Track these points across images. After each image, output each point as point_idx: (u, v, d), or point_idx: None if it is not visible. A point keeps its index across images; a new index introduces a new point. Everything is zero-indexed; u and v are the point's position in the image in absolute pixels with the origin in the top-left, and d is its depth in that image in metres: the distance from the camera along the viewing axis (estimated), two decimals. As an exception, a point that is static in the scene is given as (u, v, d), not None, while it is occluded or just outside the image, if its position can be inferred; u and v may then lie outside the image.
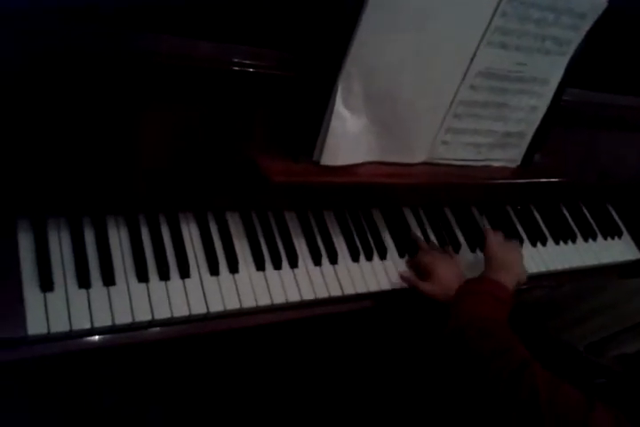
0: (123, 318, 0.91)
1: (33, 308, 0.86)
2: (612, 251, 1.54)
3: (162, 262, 0.98)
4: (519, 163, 1.26)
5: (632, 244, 1.60)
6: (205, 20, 0.90)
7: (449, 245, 1.29)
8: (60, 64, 0.79)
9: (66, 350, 0.88)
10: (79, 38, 0.78)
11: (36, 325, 0.85)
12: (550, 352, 1.21)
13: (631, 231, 1.62)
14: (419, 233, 1.27)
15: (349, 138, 1.00)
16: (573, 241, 1.48)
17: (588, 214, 1.57)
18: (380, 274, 1.17)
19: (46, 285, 0.88)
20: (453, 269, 1.17)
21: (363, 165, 1.06)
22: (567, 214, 1.53)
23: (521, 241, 1.38)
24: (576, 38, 1.09)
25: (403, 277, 1.16)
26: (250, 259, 1.06)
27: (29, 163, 0.85)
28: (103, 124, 0.87)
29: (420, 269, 1.18)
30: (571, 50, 1.11)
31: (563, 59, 1.12)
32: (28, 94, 0.80)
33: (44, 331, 0.85)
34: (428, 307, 1.13)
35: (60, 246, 0.93)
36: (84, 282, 0.91)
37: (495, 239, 1.22)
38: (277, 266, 1.08)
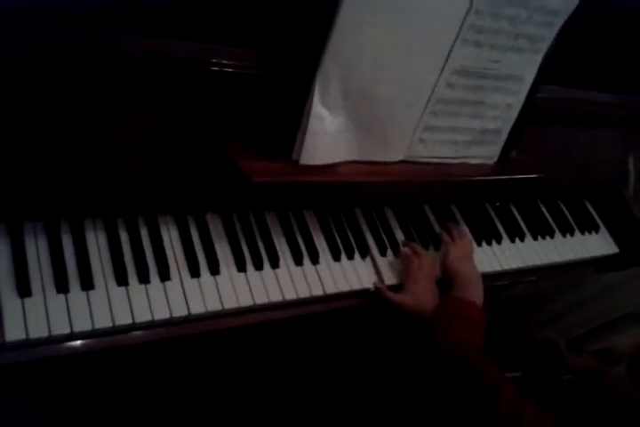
0: (103, 323, 0.90)
1: (11, 314, 0.85)
2: (589, 246, 1.56)
3: (141, 266, 0.98)
4: (496, 160, 1.27)
5: (609, 238, 1.62)
6: (182, 20, 0.89)
7: (430, 244, 1.29)
8: (35, 64, 0.78)
9: (46, 355, 0.87)
10: (54, 38, 0.77)
11: (14, 331, 0.84)
12: (529, 348, 1.23)
13: (608, 226, 1.64)
14: (399, 231, 1.27)
15: (328, 137, 1.00)
16: (551, 236, 1.50)
17: (565, 210, 1.59)
18: (362, 272, 1.17)
19: (24, 290, 0.87)
20: (429, 281, 1.18)
21: (341, 164, 1.07)
22: (545, 210, 1.55)
23: (500, 237, 1.39)
24: (549, 35, 1.10)
25: (377, 288, 1.16)
26: (231, 260, 1.06)
27: (4, 166, 0.84)
28: (80, 126, 0.86)
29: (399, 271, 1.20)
30: (544, 47, 1.12)
31: (536, 56, 1.13)
32: (3, 95, 0.79)
33: (23, 337, 0.84)
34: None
35: (37, 251, 0.92)
36: (62, 287, 0.90)
37: (455, 252, 1.23)
38: (259, 267, 1.07)
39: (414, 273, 1.17)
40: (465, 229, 1.31)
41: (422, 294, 1.15)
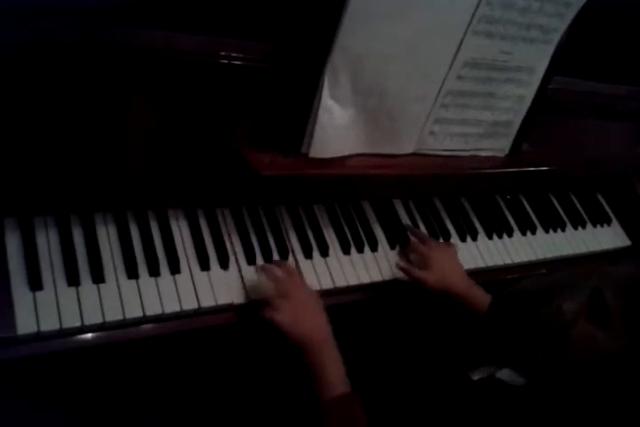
0: (113, 315, 0.91)
1: (22, 307, 0.85)
2: (601, 238, 1.55)
3: (152, 259, 0.98)
4: (507, 152, 1.26)
5: (621, 231, 1.61)
6: (191, 13, 0.89)
7: (440, 236, 1.29)
8: (43, 60, 0.78)
9: (56, 348, 0.87)
10: (63, 33, 0.77)
11: (25, 324, 0.84)
12: (540, 340, 1.21)
13: (620, 219, 1.63)
14: (409, 224, 1.27)
15: (337, 130, 1.00)
16: (563, 229, 1.49)
17: (577, 203, 1.58)
18: (372, 266, 1.17)
19: (35, 283, 0.87)
20: (450, 259, 1.17)
21: (351, 156, 1.06)
22: (556, 203, 1.54)
23: (511, 230, 1.38)
24: (561, 26, 1.09)
25: (399, 267, 1.15)
26: (240, 253, 1.06)
27: (15, 161, 0.84)
28: (89, 121, 0.86)
29: (415, 259, 1.18)
30: (556, 38, 1.11)
31: (548, 47, 1.12)
32: (10, 91, 0.79)
33: (34, 330, 0.84)
34: (421, 297, 1.14)
35: (48, 245, 0.93)
36: (73, 280, 0.90)
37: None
38: (268, 260, 1.07)
39: (435, 249, 1.16)
40: None
41: (447, 270, 1.13)
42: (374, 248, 1.19)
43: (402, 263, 1.16)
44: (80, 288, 0.91)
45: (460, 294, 1.12)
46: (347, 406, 0.92)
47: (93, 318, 0.89)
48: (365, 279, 1.14)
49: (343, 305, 1.13)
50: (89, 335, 0.90)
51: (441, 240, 1.28)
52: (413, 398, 1.29)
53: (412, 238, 1.23)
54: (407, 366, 1.48)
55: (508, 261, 1.34)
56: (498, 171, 1.26)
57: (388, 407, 1.39)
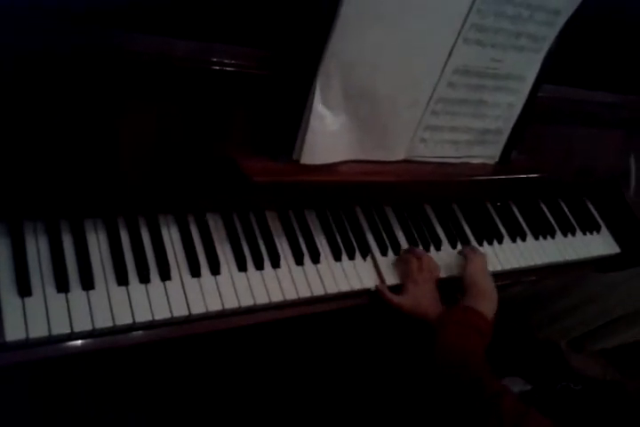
0: (103, 322, 0.90)
1: (11, 313, 0.84)
2: (590, 245, 1.56)
3: (142, 265, 0.97)
4: (497, 159, 1.27)
5: (610, 238, 1.62)
6: (184, 19, 0.89)
7: (431, 243, 1.29)
8: (37, 64, 0.78)
9: (46, 355, 0.86)
10: (53, 37, 0.77)
11: (14, 330, 0.83)
12: (530, 348, 1.22)
13: (609, 226, 1.63)
14: (400, 231, 1.27)
15: (329, 136, 1.00)
16: (553, 236, 1.50)
17: (566, 210, 1.59)
18: (363, 272, 1.16)
19: (24, 290, 0.87)
20: (426, 286, 1.17)
21: (342, 163, 1.06)
22: (546, 210, 1.55)
23: (501, 237, 1.39)
24: (551, 34, 1.10)
25: (376, 287, 1.16)
26: (231, 260, 1.06)
27: (4, 166, 0.84)
28: (80, 126, 0.86)
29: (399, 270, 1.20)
30: (546, 46, 1.12)
31: (538, 55, 1.13)
32: (2, 95, 0.79)
33: (23, 337, 0.83)
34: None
35: (37, 251, 0.92)
36: (62, 286, 0.90)
37: (477, 264, 1.22)
38: (259, 266, 1.07)
39: (414, 275, 1.16)
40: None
41: (422, 297, 1.14)
42: (366, 255, 1.19)
43: (380, 285, 1.17)
44: (69, 295, 0.90)
45: (429, 321, 1.12)
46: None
47: (83, 324, 0.88)
48: (357, 286, 1.14)
49: (335, 311, 1.13)
50: (78, 342, 0.89)
51: (432, 248, 1.28)
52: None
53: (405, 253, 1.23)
54: (407, 374, 1.48)
55: (498, 268, 1.34)
56: (488, 178, 1.26)
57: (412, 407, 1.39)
